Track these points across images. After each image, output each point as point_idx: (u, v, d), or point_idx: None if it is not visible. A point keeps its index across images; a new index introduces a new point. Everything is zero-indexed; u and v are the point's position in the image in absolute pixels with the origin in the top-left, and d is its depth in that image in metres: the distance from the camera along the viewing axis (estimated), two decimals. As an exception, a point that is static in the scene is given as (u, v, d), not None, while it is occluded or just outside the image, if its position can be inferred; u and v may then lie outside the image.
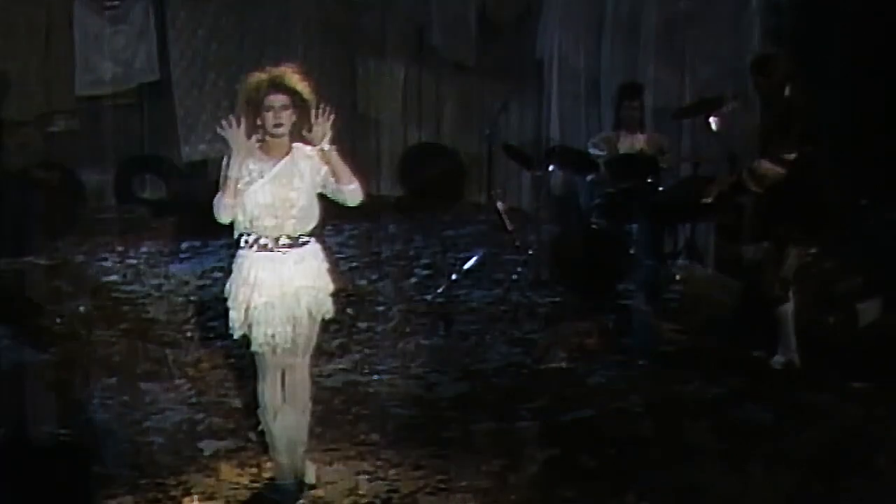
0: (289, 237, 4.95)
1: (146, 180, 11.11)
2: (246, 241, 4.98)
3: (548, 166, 8.42)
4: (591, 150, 8.33)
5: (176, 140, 11.01)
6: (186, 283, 8.66)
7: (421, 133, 11.66)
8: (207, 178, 10.82)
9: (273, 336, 4.95)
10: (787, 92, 6.37)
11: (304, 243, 5.00)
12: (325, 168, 4.94)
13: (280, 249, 4.94)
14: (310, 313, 5.01)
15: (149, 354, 7.07)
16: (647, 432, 5.87)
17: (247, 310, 4.95)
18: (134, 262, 9.29)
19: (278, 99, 4.86)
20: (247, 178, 4.87)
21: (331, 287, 5.11)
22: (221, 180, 4.89)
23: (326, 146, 4.90)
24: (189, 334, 7.45)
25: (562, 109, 10.26)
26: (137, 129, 11.13)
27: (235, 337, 5.07)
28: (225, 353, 7.04)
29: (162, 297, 8.32)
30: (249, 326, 4.97)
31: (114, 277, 8.85)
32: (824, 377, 6.50)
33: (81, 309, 7.96)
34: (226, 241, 9.72)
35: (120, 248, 9.66)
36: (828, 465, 5.43)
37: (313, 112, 4.88)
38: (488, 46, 10.79)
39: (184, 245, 9.74)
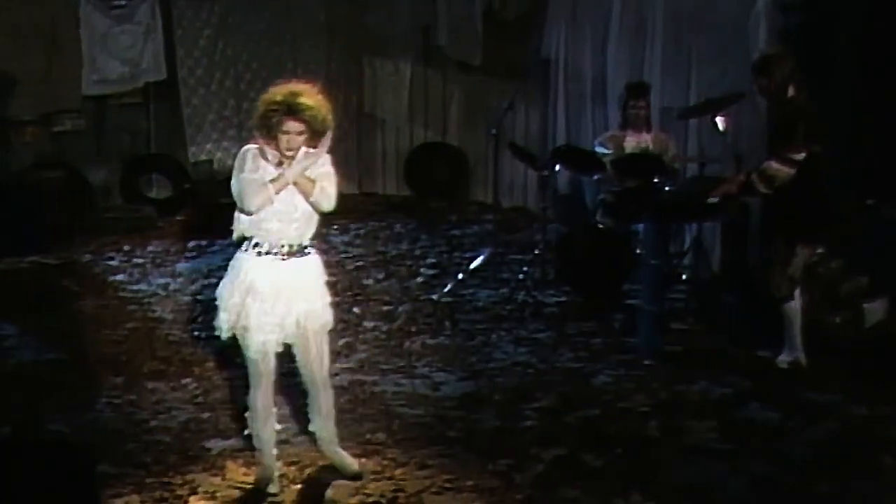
0: (290, 244, 4.93)
1: (153, 179, 11.13)
2: (247, 244, 4.97)
3: (554, 166, 8.41)
4: (598, 150, 8.33)
5: (182, 139, 11.03)
6: (193, 281, 8.68)
7: (427, 132, 11.68)
8: (214, 178, 10.90)
9: (264, 343, 4.95)
10: (790, 92, 6.36)
11: (305, 253, 4.99)
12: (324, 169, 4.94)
13: (281, 256, 4.93)
14: (298, 324, 4.98)
15: (156, 353, 7.07)
16: (653, 432, 5.87)
17: (239, 313, 4.94)
18: (141, 261, 9.31)
19: (294, 126, 4.78)
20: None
21: (328, 298, 5.09)
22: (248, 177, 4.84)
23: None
24: (196, 333, 7.45)
25: (568, 109, 10.27)
26: (144, 128, 11.15)
27: (223, 338, 5.05)
28: (231, 352, 7.06)
29: (168, 296, 8.34)
30: (244, 330, 4.95)
31: (120, 277, 8.86)
32: (830, 377, 6.49)
33: (88, 308, 7.98)
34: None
35: (127, 248, 9.69)
36: (833, 464, 5.43)
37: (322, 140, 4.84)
38: (494, 46, 10.80)
39: (190, 244, 9.76)
